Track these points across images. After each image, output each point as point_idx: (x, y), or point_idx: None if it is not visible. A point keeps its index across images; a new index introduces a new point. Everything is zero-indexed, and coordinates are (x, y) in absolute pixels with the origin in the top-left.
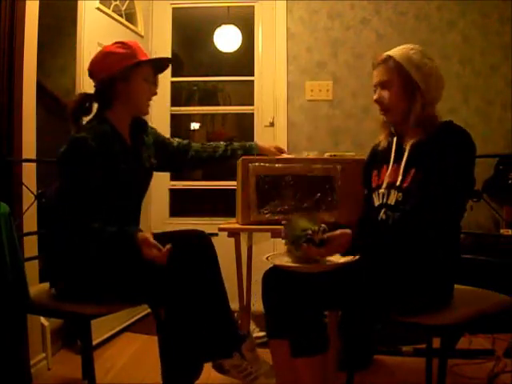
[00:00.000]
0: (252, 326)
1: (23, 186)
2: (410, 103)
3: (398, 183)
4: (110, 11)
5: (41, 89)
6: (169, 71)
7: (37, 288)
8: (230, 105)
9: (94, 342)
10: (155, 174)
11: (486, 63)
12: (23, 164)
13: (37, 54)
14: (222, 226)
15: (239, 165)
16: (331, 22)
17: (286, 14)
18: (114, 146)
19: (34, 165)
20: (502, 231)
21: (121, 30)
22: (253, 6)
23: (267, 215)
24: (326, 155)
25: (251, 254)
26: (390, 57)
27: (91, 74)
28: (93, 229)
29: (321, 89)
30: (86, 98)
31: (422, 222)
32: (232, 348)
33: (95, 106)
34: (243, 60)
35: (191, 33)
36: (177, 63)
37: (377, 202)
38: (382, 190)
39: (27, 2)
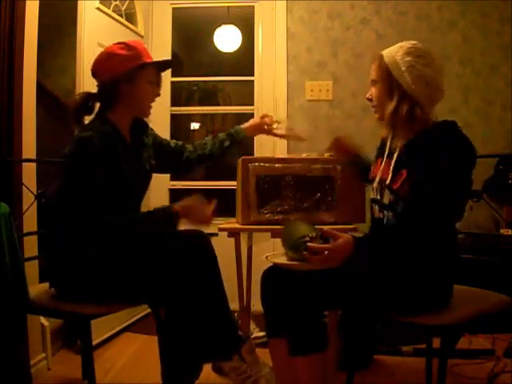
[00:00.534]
0: (252, 326)
1: (23, 186)
2: (397, 103)
3: (388, 181)
4: (110, 11)
5: (41, 89)
6: (169, 71)
7: (37, 288)
8: (230, 105)
9: (94, 342)
10: (154, 174)
11: (486, 63)
12: (23, 164)
13: (37, 54)
14: (221, 225)
15: (239, 165)
16: (331, 22)
17: (286, 14)
18: (116, 146)
19: (34, 165)
20: (502, 231)
21: (121, 29)
22: (253, 6)
23: (267, 215)
24: (326, 155)
25: (251, 254)
26: (380, 56)
27: (94, 75)
28: (112, 219)
29: (321, 89)
30: (89, 97)
31: (413, 224)
32: (231, 350)
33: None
34: (243, 60)
35: (191, 33)
36: (177, 63)
37: (371, 195)
38: (375, 185)
39: (27, 2)
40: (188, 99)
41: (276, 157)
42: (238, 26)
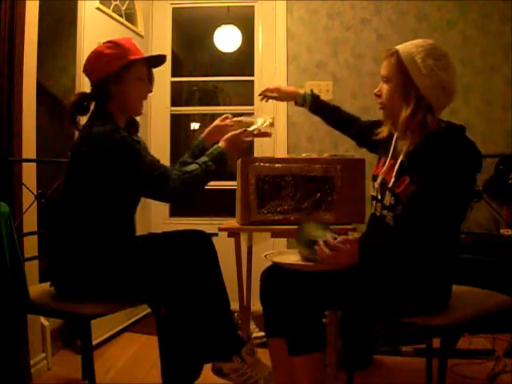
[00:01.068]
0: (252, 326)
1: (23, 186)
2: (414, 108)
3: (390, 184)
4: (110, 11)
5: (41, 89)
6: (169, 71)
7: (37, 288)
8: (230, 105)
9: (94, 342)
10: None
11: (486, 63)
12: (23, 164)
13: (37, 54)
14: (222, 225)
15: (239, 165)
16: (331, 22)
17: (286, 14)
18: None
19: (33, 165)
20: (501, 231)
21: (121, 29)
22: (253, 6)
23: (267, 215)
24: (326, 155)
25: (251, 254)
26: (396, 51)
27: (86, 75)
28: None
29: (321, 89)
30: (84, 97)
31: (417, 228)
32: (232, 350)
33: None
34: (243, 60)
35: (191, 33)
36: (163, 61)
37: (372, 192)
38: (376, 184)
39: (27, 2)
40: (188, 99)
41: (276, 157)
42: (238, 26)
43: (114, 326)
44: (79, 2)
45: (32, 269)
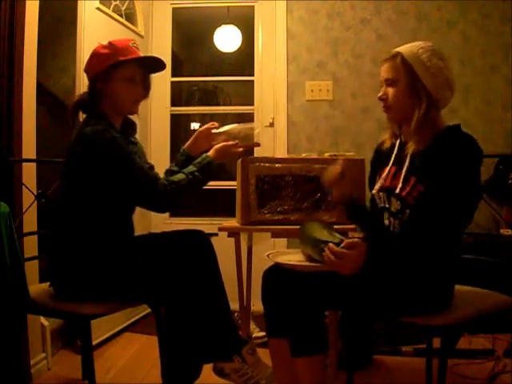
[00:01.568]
0: (252, 326)
1: (23, 186)
2: (414, 104)
3: (397, 190)
4: (110, 11)
5: (41, 89)
6: (169, 71)
7: (37, 288)
8: (230, 105)
9: (94, 342)
10: None
11: (486, 63)
12: (23, 164)
13: (37, 54)
14: (221, 226)
15: (239, 165)
16: (331, 22)
17: (286, 14)
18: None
19: (34, 165)
20: (501, 231)
21: (121, 29)
22: (253, 6)
23: (267, 215)
24: (326, 155)
25: (251, 254)
26: (398, 53)
27: (86, 75)
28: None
29: (321, 89)
30: (83, 97)
31: (428, 233)
32: (232, 350)
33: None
34: (243, 60)
35: (191, 33)
36: (163, 67)
37: (380, 204)
38: (382, 194)
39: (27, 2)
40: (188, 99)
41: (276, 157)
42: (238, 26)
43: (114, 326)
44: (79, 2)
45: (32, 269)
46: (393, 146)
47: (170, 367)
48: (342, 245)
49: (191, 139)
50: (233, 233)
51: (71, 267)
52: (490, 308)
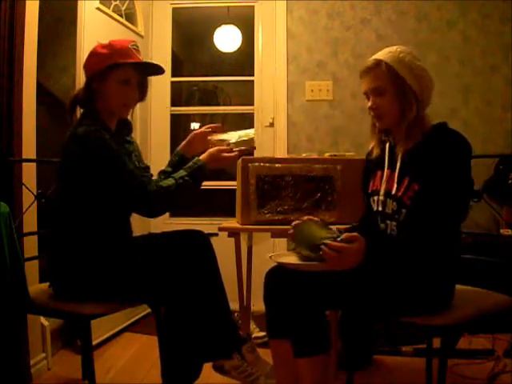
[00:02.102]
0: (252, 326)
1: (23, 186)
2: (404, 107)
3: (393, 191)
4: (110, 11)
5: (41, 89)
6: (169, 71)
7: (37, 288)
8: (230, 105)
9: (94, 342)
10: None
11: (486, 63)
12: (23, 164)
13: (37, 54)
14: (221, 226)
15: (239, 165)
16: (331, 22)
17: (286, 14)
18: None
19: (33, 165)
20: (501, 231)
21: (121, 29)
22: (253, 6)
23: (267, 215)
24: (326, 155)
25: (251, 254)
26: (380, 61)
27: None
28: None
29: (321, 89)
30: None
31: (425, 233)
32: (231, 349)
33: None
34: (243, 60)
35: (191, 33)
36: (161, 71)
37: (375, 208)
38: (380, 198)
39: (27, 2)
40: (188, 99)
41: (276, 157)
42: (238, 26)
43: (114, 326)
44: (79, 2)
45: (32, 269)
46: (383, 151)
47: (170, 367)
48: (341, 237)
49: (185, 141)
50: (233, 233)
51: (71, 267)
52: (490, 308)
